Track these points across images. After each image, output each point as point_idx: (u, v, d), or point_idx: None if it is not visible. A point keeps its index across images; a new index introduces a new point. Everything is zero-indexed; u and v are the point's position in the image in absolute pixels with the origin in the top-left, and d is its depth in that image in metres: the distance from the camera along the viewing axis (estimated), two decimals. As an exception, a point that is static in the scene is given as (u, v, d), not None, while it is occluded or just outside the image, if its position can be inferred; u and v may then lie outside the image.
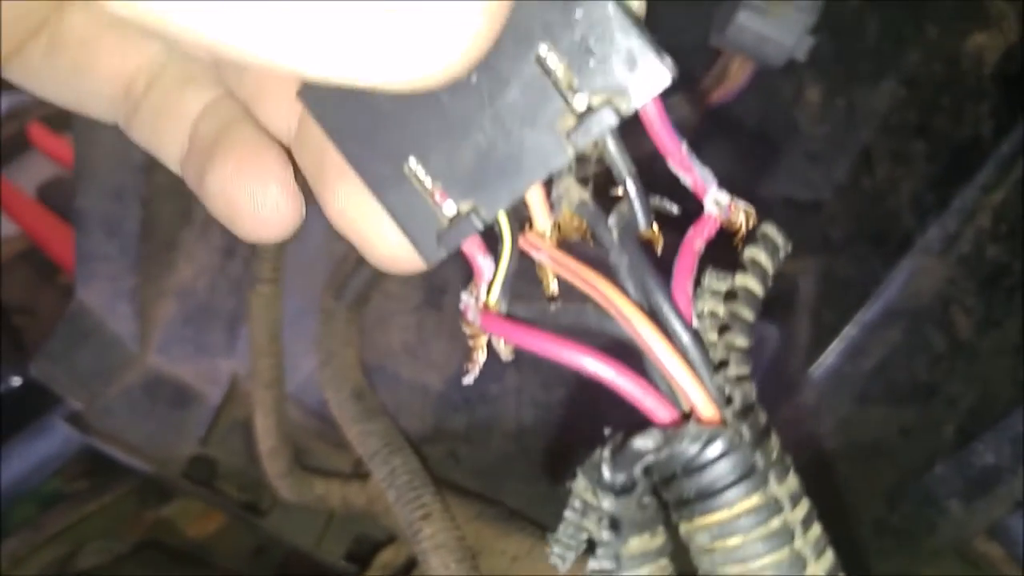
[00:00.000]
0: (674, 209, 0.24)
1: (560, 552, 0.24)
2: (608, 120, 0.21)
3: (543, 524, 0.79)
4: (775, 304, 0.85)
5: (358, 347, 0.81)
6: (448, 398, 0.84)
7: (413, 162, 0.23)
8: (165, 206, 0.85)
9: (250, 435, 0.85)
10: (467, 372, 0.25)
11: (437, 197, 0.23)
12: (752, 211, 0.24)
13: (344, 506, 0.83)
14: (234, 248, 0.86)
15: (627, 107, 0.21)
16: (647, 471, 0.22)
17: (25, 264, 1.11)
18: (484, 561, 0.75)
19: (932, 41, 0.79)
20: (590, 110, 0.21)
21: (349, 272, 0.79)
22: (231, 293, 0.87)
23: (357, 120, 0.23)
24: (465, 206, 0.23)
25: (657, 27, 0.21)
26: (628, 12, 0.21)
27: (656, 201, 0.24)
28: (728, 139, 0.86)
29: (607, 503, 0.22)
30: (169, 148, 0.28)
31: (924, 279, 0.78)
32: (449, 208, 0.23)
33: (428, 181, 0.23)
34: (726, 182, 0.24)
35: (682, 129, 0.23)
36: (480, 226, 0.23)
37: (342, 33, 0.17)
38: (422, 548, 0.72)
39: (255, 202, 0.25)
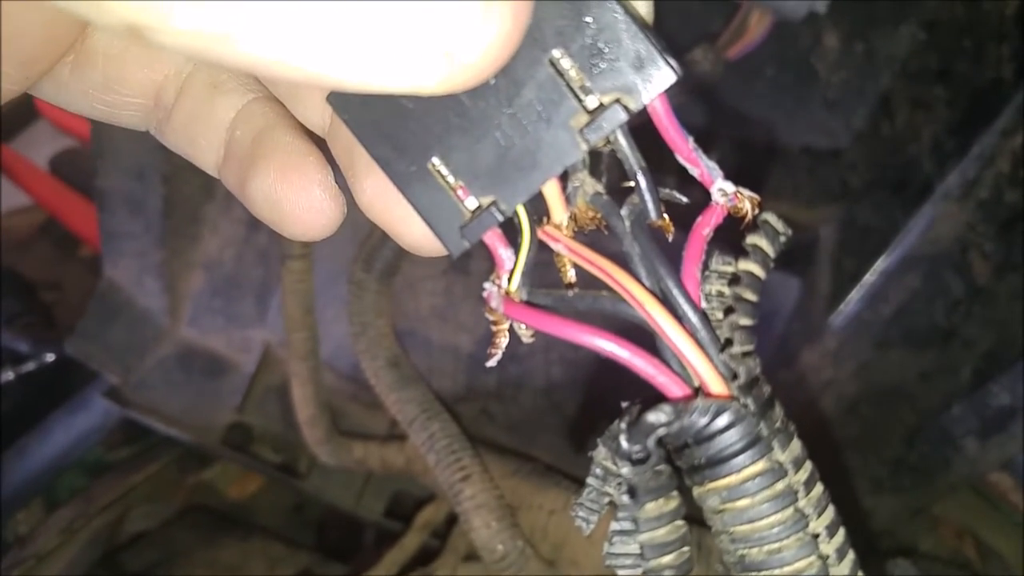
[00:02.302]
0: (683, 199, 0.26)
1: (584, 515, 0.26)
2: (618, 117, 0.22)
3: (576, 477, 0.82)
4: (796, 254, 0.86)
5: (390, 316, 0.82)
6: (478, 358, 0.86)
7: (436, 160, 0.24)
8: (187, 182, 0.85)
9: (285, 400, 0.87)
10: (490, 356, 0.27)
11: (459, 192, 0.24)
12: (756, 198, 0.25)
13: (383, 467, 0.85)
14: (258, 220, 0.86)
15: (635, 104, 0.22)
16: (660, 442, 0.24)
17: (45, 237, 1.11)
18: (523, 516, 0.78)
19: (953, -19, 0.78)
20: (601, 108, 0.22)
21: (377, 244, 0.79)
22: (258, 264, 0.87)
23: (383, 122, 0.24)
24: (486, 200, 0.24)
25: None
26: (635, 17, 0.22)
27: (665, 192, 0.25)
28: (747, 90, 0.85)
29: (625, 470, 0.24)
30: (205, 154, 0.29)
31: (943, 225, 0.79)
32: (471, 202, 0.24)
33: (451, 177, 0.24)
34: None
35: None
36: (500, 218, 0.24)
37: (374, 44, 0.18)
38: (464, 508, 0.75)
39: (300, 206, 0.26)
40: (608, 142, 0.24)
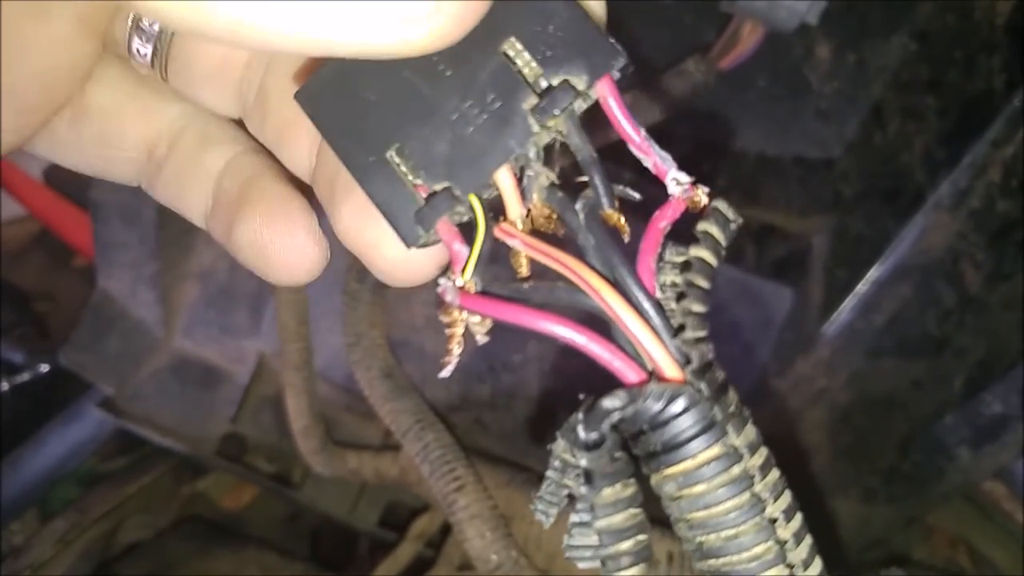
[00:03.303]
0: (636, 195, 0.26)
1: (543, 508, 0.26)
2: (567, 96, 0.23)
3: (570, 487, 0.82)
4: (789, 264, 0.86)
5: (384, 326, 0.82)
6: (472, 368, 0.86)
7: (394, 151, 0.25)
8: (181, 192, 0.84)
9: (280, 411, 0.87)
10: (444, 366, 0.27)
11: (416, 182, 0.25)
12: (707, 190, 0.26)
13: (377, 477, 0.85)
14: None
15: (583, 84, 0.23)
16: (615, 427, 0.24)
17: (39, 248, 1.11)
18: (516, 527, 0.78)
19: (943, -8, 0.79)
20: (551, 89, 0.23)
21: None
22: (252, 275, 0.86)
23: (346, 115, 0.25)
24: (440, 187, 0.25)
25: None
26: (581, 6, 0.23)
27: (619, 188, 0.26)
28: (739, 100, 0.86)
29: (584, 461, 0.24)
30: (194, 206, 0.29)
31: (935, 234, 0.79)
32: (427, 191, 0.25)
33: (406, 167, 0.25)
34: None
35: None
36: (454, 204, 0.25)
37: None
38: (457, 519, 0.75)
39: (284, 250, 0.27)
40: (561, 134, 0.24)
